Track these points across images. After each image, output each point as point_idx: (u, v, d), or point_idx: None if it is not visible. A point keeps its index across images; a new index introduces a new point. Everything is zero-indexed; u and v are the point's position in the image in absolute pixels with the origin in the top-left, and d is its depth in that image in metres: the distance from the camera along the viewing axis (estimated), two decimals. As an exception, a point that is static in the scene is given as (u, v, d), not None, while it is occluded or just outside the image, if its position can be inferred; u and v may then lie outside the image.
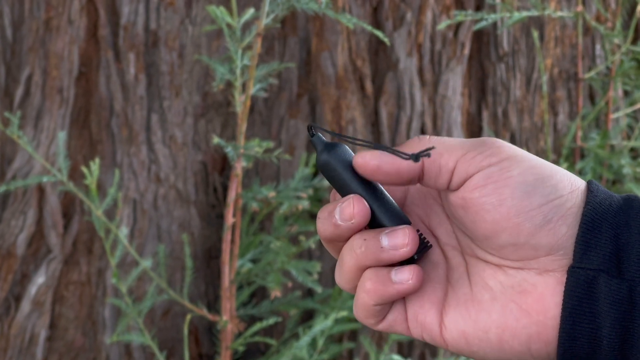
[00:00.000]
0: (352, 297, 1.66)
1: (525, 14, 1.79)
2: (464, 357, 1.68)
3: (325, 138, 0.68)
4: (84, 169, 1.59)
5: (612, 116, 2.01)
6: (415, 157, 0.64)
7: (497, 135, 1.94)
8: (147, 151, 1.80)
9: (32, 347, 1.78)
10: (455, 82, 1.89)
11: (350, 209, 0.64)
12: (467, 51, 1.90)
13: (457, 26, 1.89)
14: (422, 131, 1.87)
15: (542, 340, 0.62)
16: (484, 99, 1.94)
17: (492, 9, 1.85)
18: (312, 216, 1.78)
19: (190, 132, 1.82)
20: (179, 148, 1.81)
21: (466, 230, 0.65)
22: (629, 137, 2.10)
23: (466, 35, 1.89)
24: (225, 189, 1.84)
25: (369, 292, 0.65)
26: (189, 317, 1.62)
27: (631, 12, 2.07)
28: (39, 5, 1.80)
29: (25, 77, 1.81)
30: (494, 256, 0.65)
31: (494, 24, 1.90)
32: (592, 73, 1.99)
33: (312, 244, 1.70)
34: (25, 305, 1.78)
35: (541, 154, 1.97)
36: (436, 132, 1.88)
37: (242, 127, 1.53)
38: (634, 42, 2.05)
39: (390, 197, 0.66)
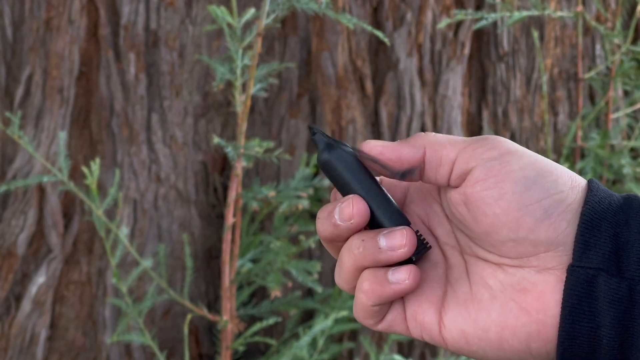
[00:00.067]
0: (352, 297, 1.66)
1: (525, 13, 1.79)
2: (464, 356, 1.68)
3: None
4: (85, 169, 1.59)
5: (612, 116, 2.01)
6: (402, 175, 0.64)
7: (497, 134, 1.94)
8: (148, 151, 1.80)
9: (33, 347, 1.78)
10: (455, 82, 1.89)
11: (349, 209, 0.64)
12: (467, 51, 1.90)
13: (457, 26, 1.89)
14: (422, 131, 1.87)
15: (541, 338, 0.62)
16: (484, 99, 1.94)
17: (492, 8, 1.85)
18: (313, 216, 1.78)
19: (190, 132, 1.82)
20: (179, 148, 1.81)
21: (465, 229, 0.65)
22: (629, 137, 2.10)
23: (466, 35, 1.90)
24: (225, 188, 1.84)
25: (366, 292, 0.65)
26: (189, 317, 1.62)
27: (631, 12, 2.07)
28: (40, 4, 1.80)
29: (26, 76, 1.81)
30: (493, 254, 0.65)
31: (494, 24, 1.91)
32: (592, 73, 1.99)
33: (312, 243, 1.70)
34: (26, 305, 1.78)
35: (541, 153, 1.97)
36: (436, 131, 1.88)
37: (243, 127, 1.53)
38: (634, 42, 2.05)
39: (391, 197, 0.66)
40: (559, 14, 1.85)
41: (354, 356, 1.83)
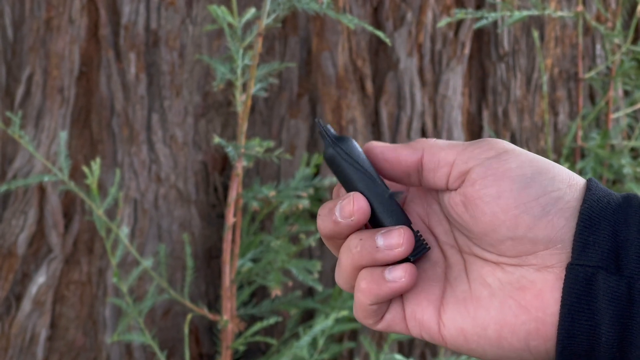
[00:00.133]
0: (352, 297, 1.66)
1: (525, 13, 1.79)
2: (464, 355, 1.68)
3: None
4: (85, 169, 1.60)
5: (613, 116, 2.01)
6: (389, 196, 0.65)
7: (498, 134, 1.94)
8: (148, 151, 1.80)
9: (33, 347, 1.78)
10: (455, 82, 1.89)
11: (350, 207, 0.65)
12: (467, 51, 1.90)
13: (458, 26, 1.89)
14: (423, 131, 1.87)
15: (540, 336, 0.63)
16: (484, 99, 1.94)
17: (493, 8, 1.85)
18: (313, 216, 1.78)
19: (190, 132, 1.82)
20: (179, 148, 1.81)
21: (464, 229, 0.66)
22: (629, 137, 2.10)
23: (466, 35, 1.90)
24: (225, 188, 1.84)
25: (363, 291, 0.65)
26: (189, 316, 1.62)
27: (631, 12, 2.07)
28: (40, 4, 1.80)
29: (26, 76, 1.81)
30: (492, 253, 0.65)
31: (494, 24, 1.91)
32: (593, 73, 1.99)
33: (312, 242, 1.70)
34: (26, 305, 1.78)
35: (542, 153, 1.97)
36: (437, 131, 1.88)
37: (243, 126, 1.53)
38: (634, 42, 2.05)
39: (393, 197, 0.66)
40: (559, 13, 1.86)
41: (354, 356, 1.83)
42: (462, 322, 0.65)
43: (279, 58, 1.83)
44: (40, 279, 1.78)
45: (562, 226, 0.62)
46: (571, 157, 1.99)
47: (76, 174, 1.77)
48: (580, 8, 1.90)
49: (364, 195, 0.65)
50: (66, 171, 1.60)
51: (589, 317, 0.61)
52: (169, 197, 1.80)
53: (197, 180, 1.83)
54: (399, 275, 0.64)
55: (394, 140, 1.85)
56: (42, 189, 1.79)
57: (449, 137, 1.88)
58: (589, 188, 0.64)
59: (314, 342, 1.71)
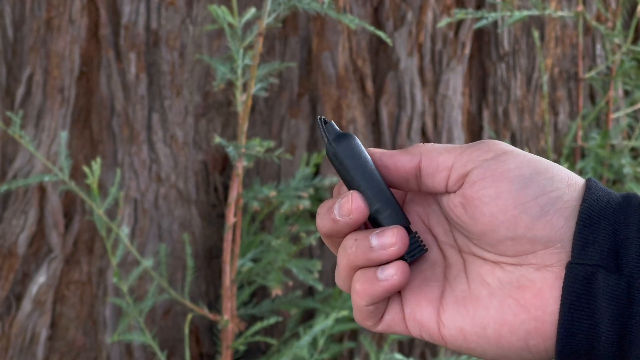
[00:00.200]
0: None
1: (525, 13, 1.80)
2: (464, 355, 1.68)
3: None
4: (86, 169, 1.60)
5: (613, 116, 2.01)
6: (390, 194, 0.66)
7: (498, 134, 1.94)
8: (148, 151, 1.80)
9: (33, 347, 1.78)
10: (455, 82, 1.89)
11: (348, 205, 0.65)
12: (467, 51, 1.90)
13: (458, 26, 1.89)
14: (423, 131, 1.87)
15: (540, 335, 0.63)
16: (484, 99, 1.94)
17: (493, 8, 1.85)
18: (313, 215, 1.78)
19: (191, 132, 1.82)
20: (179, 147, 1.81)
21: (463, 230, 0.66)
22: (629, 137, 2.10)
23: (467, 35, 1.90)
24: (225, 188, 1.84)
25: (358, 293, 0.65)
26: (189, 316, 1.62)
27: (631, 11, 2.07)
28: (40, 4, 1.80)
29: (27, 76, 1.82)
30: (491, 253, 0.65)
31: (495, 24, 1.91)
32: (593, 73, 1.99)
33: (312, 241, 1.70)
34: (26, 305, 1.78)
35: (542, 153, 1.97)
36: (437, 131, 1.88)
37: (244, 126, 1.53)
38: (634, 41, 2.05)
39: (393, 196, 0.66)
40: (560, 13, 1.86)
41: (354, 356, 1.83)
42: (462, 322, 0.65)
43: (279, 58, 1.83)
44: (41, 278, 1.78)
45: (561, 225, 0.62)
46: (571, 157, 1.99)
47: (76, 174, 1.77)
48: (580, 8, 1.90)
49: (364, 194, 0.65)
50: (66, 171, 1.60)
51: (589, 316, 0.61)
52: (169, 197, 1.81)
53: (198, 180, 1.83)
54: (391, 273, 0.64)
55: (394, 139, 1.85)
56: (42, 189, 1.80)
57: (449, 137, 1.88)
58: (588, 187, 0.64)
59: (314, 342, 1.71)
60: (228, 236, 1.58)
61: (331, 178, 1.76)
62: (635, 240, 0.61)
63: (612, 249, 0.61)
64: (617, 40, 1.94)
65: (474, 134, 1.94)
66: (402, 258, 0.66)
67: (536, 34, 1.88)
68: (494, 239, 0.64)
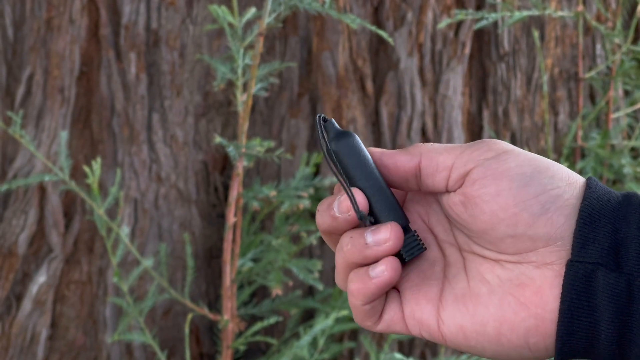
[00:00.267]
0: (352, 296, 1.66)
1: (525, 13, 1.80)
2: (464, 355, 1.68)
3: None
4: (86, 168, 1.60)
5: (613, 116, 2.01)
6: (360, 217, 0.65)
7: (498, 134, 1.94)
8: (148, 150, 1.80)
9: (33, 346, 1.78)
10: (455, 82, 1.89)
11: (347, 202, 0.65)
12: (467, 51, 1.90)
13: (458, 26, 1.89)
14: (423, 131, 1.87)
15: (540, 333, 0.63)
16: (484, 99, 1.94)
17: (493, 8, 1.85)
18: (313, 215, 1.78)
19: (191, 132, 1.82)
20: (180, 147, 1.81)
21: (464, 228, 0.66)
22: (629, 137, 2.10)
23: (467, 35, 1.90)
24: (225, 188, 1.84)
25: (352, 293, 0.66)
26: (190, 316, 1.62)
27: (631, 11, 2.07)
28: (40, 4, 1.80)
29: (27, 76, 1.82)
30: (492, 251, 0.65)
31: (495, 24, 1.91)
32: (593, 73, 1.99)
33: (313, 241, 1.70)
34: (27, 305, 1.78)
35: (542, 153, 1.97)
36: (437, 131, 1.88)
37: (244, 126, 1.53)
38: (634, 41, 2.05)
39: (393, 195, 0.66)
40: (560, 13, 1.86)
41: (354, 355, 1.83)
42: (462, 319, 0.65)
43: (279, 58, 1.83)
44: (41, 278, 1.78)
45: (561, 223, 0.62)
46: (571, 156, 1.99)
47: (77, 174, 1.77)
48: (580, 8, 1.90)
49: (363, 192, 0.65)
50: (67, 171, 1.60)
51: (589, 314, 0.61)
52: (169, 197, 1.81)
53: (198, 180, 1.83)
54: (381, 269, 0.65)
55: (394, 139, 1.85)
56: (42, 189, 1.80)
57: (449, 137, 1.88)
58: (588, 186, 0.64)
59: (314, 342, 1.71)
60: (228, 236, 1.58)
61: (331, 178, 1.76)
62: (635, 239, 0.61)
63: (612, 247, 0.61)
64: (617, 40, 1.94)
65: (474, 134, 1.94)
66: (400, 257, 0.66)
67: (536, 34, 1.88)
68: (494, 237, 0.64)
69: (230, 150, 1.54)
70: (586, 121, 1.99)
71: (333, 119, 0.68)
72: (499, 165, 0.63)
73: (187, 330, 1.63)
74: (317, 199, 1.77)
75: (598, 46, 2.07)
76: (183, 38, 1.80)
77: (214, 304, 1.82)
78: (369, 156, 0.66)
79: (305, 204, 1.66)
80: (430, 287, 0.67)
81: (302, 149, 1.84)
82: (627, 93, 2.12)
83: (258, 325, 1.63)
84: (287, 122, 1.85)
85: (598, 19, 2.04)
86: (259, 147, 1.53)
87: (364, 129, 1.85)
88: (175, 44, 1.80)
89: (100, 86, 1.80)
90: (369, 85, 1.85)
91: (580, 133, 1.98)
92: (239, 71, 1.52)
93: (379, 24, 1.85)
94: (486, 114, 1.94)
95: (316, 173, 1.80)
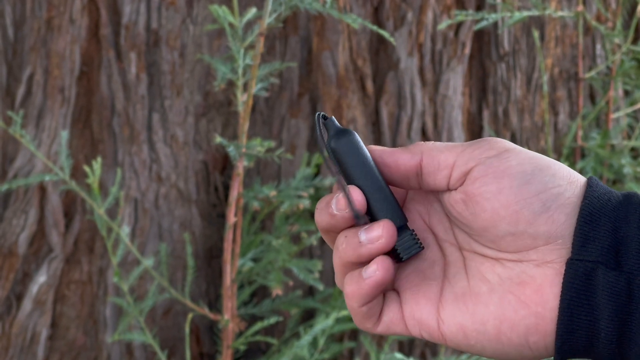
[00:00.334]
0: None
1: (525, 13, 1.80)
2: (464, 355, 1.68)
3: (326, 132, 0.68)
4: (86, 168, 1.60)
5: (613, 116, 2.02)
6: (356, 217, 0.65)
7: (498, 134, 1.94)
8: (149, 150, 1.80)
9: (34, 346, 1.78)
10: (456, 82, 1.89)
11: (345, 200, 0.65)
12: (467, 51, 1.90)
13: (458, 26, 1.89)
14: (423, 131, 1.87)
15: (540, 332, 0.63)
16: (484, 99, 1.94)
17: (493, 8, 1.86)
18: (313, 215, 1.78)
19: (191, 132, 1.82)
20: (180, 147, 1.81)
21: (464, 226, 0.66)
22: (629, 137, 2.10)
23: (467, 35, 1.90)
24: (226, 188, 1.84)
25: (348, 295, 0.66)
26: (190, 316, 1.62)
27: (631, 11, 2.07)
28: (41, 4, 1.80)
29: (27, 76, 1.82)
30: (492, 250, 0.65)
31: (495, 24, 1.91)
32: (593, 73, 1.99)
33: (313, 241, 1.70)
34: (27, 304, 1.78)
35: (542, 153, 1.96)
36: (437, 131, 1.88)
37: (245, 126, 1.53)
38: (634, 41, 2.05)
39: (392, 194, 0.66)
40: (560, 13, 1.86)
41: (354, 355, 1.83)
42: (461, 318, 0.65)
43: (279, 58, 1.83)
44: (41, 278, 1.78)
45: (562, 222, 0.62)
46: (571, 156, 1.99)
47: (77, 174, 1.77)
48: (580, 8, 1.90)
49: (361, 190, 0.65)
50: (67, 171, 1.60)
51: (588, 312, 0.61)
52: (169, 197, 1.81)
53: (198, 180, 1.83)
54: (373, 269, 0.65)
55: (394, 139, 1.86)
56: (42, 189, 1.80)
57: (449, 136, 1.89)
58: (589, 185, 0.64)
59: (314, 342, 1.71)
60: (228, 236, 1.58)
61: (332, 178, 1.77)
62: (635, 238, 0.61)
63: (613, 245, 0.61)
64: (617, 40, 1.94)
65: (474, 133, 1.94)
66: (397, 256, 0.66)
67: (536, 34, 1.89)
68: (495, 235, 0.64)
69: (231, 150, 1.54)
70: (586, 121, 1.99)
71: (333, 117, 0.68)
72: (500, 163, 0.64)
73: (187, 330, 1.63)
74: (317, 199, 1.77)
75: (598, 46, 2.07)
76: (183, 38, 1.81)
77: (214, 304, 1.82)
78: (369, 154, 0.66)
79: (305, 204, 1.66)
80: (430, 287, 0.67)
81: (303, 149, 1.84)
82: (627, 93, 2.12)
83: (258, 325, 1.63)
84: (287, 122, 1.85)
85: (598, 19, 2.04)
86: (259, 147, 1.53)
87: (364, 128, 1.85)
88: (176, 44, 1.80)
89: (101, 86, 1.80)
90: (369, 85, 1.85)
91: (580, 133, 1.98)
92: (240, 71, 1.52)
93: (379, 24, 1.85)
94: (486, 114, 1.94)
95: (317, 173, 1.80)
